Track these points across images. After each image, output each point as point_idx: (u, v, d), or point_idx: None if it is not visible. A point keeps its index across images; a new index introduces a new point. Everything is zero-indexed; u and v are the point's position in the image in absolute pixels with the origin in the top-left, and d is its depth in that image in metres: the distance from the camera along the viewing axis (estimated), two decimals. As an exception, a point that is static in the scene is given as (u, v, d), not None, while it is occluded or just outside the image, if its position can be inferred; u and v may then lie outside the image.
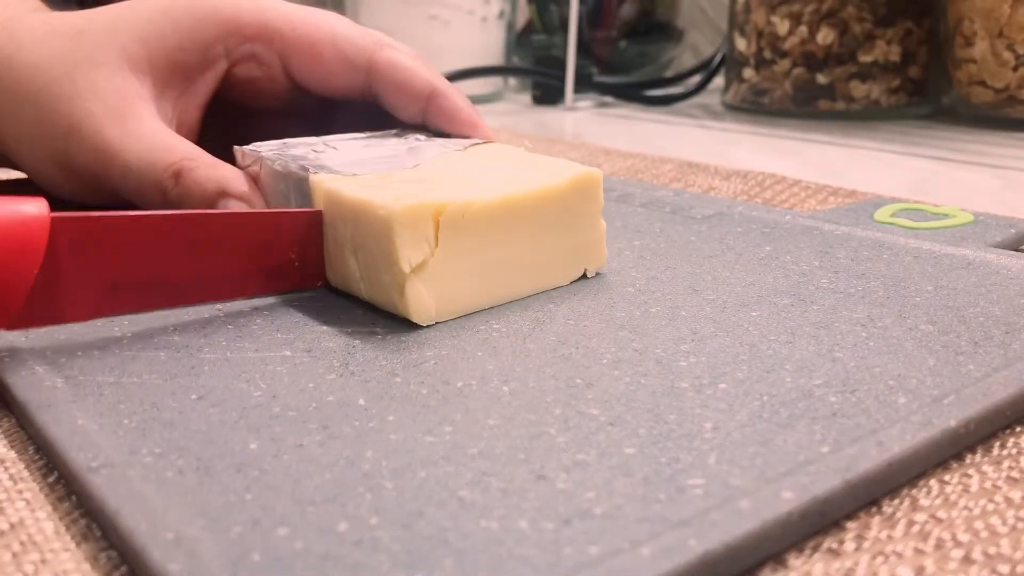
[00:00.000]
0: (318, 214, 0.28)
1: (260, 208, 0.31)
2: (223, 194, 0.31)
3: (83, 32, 0.34)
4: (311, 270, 0.29)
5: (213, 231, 0.26)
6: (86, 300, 0.24)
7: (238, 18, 0.35)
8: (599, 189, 0.29)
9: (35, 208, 0.23)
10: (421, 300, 0.26)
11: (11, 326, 0.23)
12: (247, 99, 0.37)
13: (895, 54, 0.66)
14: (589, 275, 0.30)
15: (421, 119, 0.36)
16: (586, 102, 0.81)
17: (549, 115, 0.76)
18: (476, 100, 0.50)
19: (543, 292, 0.29)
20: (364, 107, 0.37)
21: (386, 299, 0.27)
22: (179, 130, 0.35)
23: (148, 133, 0.32)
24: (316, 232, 0.28)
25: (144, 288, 0.25)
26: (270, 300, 0.29)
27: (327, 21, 0.36)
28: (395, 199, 0.25)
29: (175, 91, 0.34)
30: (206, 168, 0.31)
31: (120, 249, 0.25)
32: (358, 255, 0.27)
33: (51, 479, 0.20)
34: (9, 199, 0.23)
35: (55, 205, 0.24)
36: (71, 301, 0.24)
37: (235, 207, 0.31)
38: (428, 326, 0.26)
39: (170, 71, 0.34)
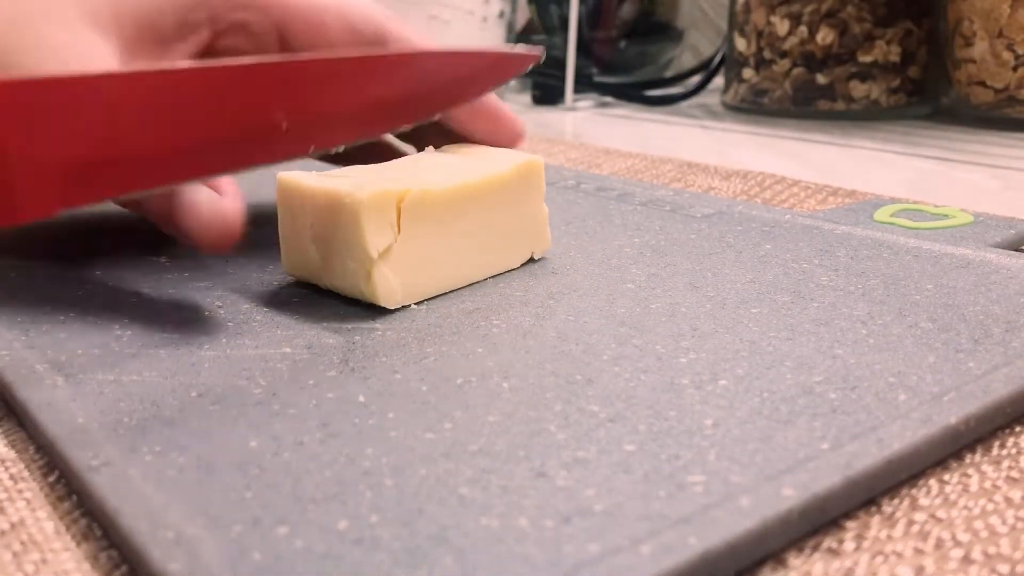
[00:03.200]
0: (307, 64, 0.25)
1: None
2: None
3: None
4: (299, 135, 0.25)
5: (185, 90, 0.23)
6: (44, 188, 0.21)
7: None
8: (541, 175, 0.31)
9: None
10: (388, 284, 0.27)
11: (10, 220, 0.20)
12: None
13: (895, 54, 0.66)
14: (536, 258, 0.32)
15: None
16: (586, 102, 0.81)
17: (549, 115, 0.76)
18: (476, 100, 0.50)
19: (540, 274, 0.29)
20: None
21: (351, 286, 0.27)
22: None
23: None
24: (306, 90, 0.25)
25: (111, 167, 0.22)
26: (270, 299, 0.28)
27: None
28: (358, 187, 0.26)
29: (144, 56, 0.30)
30: None
31: (77, 118, 0.21)
32: (318, 244, 0.28)
33: (51, 478, 0.20)
34: None
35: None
36: (26, 190, 0.20)
37: (202, 194, 0.27)
38: (428, 325, 0.26)
39: (140, 32, 0.30)
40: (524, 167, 0.30)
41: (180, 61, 0.25)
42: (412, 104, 0.27)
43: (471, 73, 0.28)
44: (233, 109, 0.23)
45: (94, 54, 0.28)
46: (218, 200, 0.27)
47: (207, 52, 0.32)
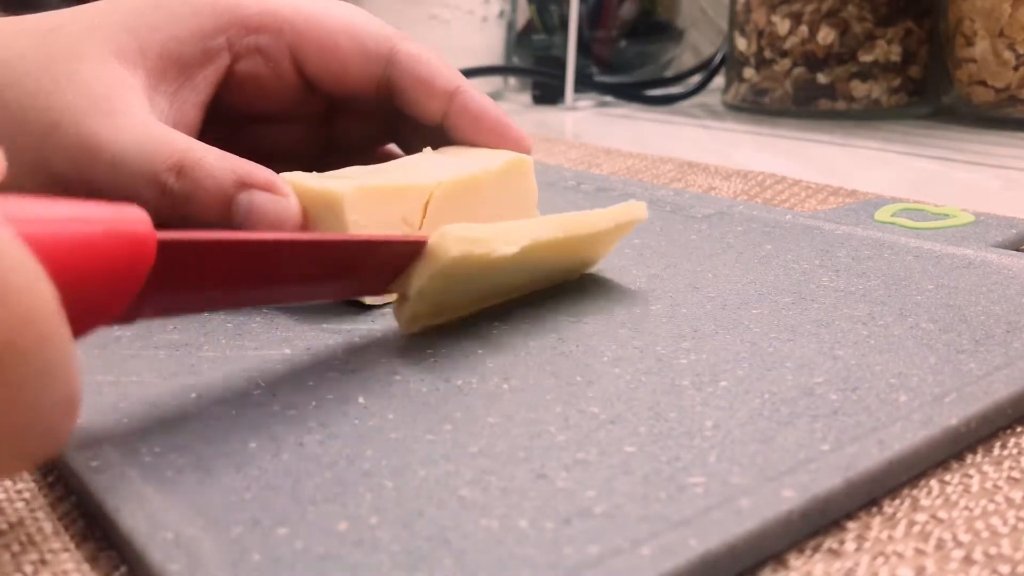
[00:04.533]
0: (422, 244, 0.24)
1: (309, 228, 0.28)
2: (243, 185, 0.27)
3: (61, 27, 0.30)
4: (381, 283, 0.26)
5: (320, 256, 0.23)
6: (168, 311, 0.22)
7: (240, 7, 0.32)
8: (531, 171, 0.32)
9: (141, 225, 0.18)
10: (415, 315, 0.26)
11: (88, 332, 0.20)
12: (249, 101, 0.34)
13: (895, 54, 0.66)
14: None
15: (441, 119, 0.33)
16: (586, 102, 0.81)
17: (549, 115, 0.76)
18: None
19: (541, 289, 0.29)
20: (371, 114, 0.36)
21: None
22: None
23: (140, 125, 0.28)
24: (407, 261, 0.25)
25: (228, 303, 0.24)
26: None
27: (339, 9, 0.33)
28: (349, 185, 0.27)
29: (171, 86, 0.31)
30: (218, 159, 0.28)
31: (218, 271, 0.21)
32: None
33: (50, 479, 0.20)
34: (105, 205, 0.18)
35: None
36: (155, 312, 0.21)
37: (261, 199, 0.27)
38: (428, 326, 0.26)
39: (164, 64, 0.31)
40: (514, 162, 0.31)
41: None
42: None
43: None
44: (358, 269, 0.25)
45: (123, 88, 0.29)
46: (276, 200, 0.28)
47: (228, 76, 0.32)
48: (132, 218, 0.18)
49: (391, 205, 0.27)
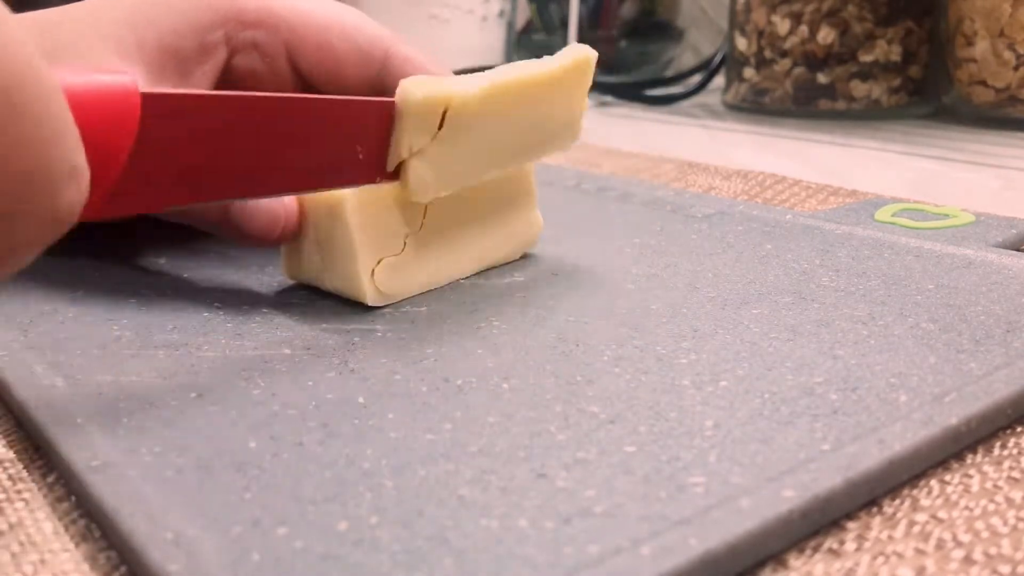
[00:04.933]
0: (390, 104, 0.27)
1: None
2: None
3: (61, 23, 0.31)
4: (371, 166, 0.27)
5: (289, 114, 0.24)
6: (162, 185, 0.22)
7: (238, 2, 0.32)
8: (530, 171, 0.32)
9: (125, 79, 0.20)
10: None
11: (96, 214, 0.21)
12: None
13: (896, 54, 0.66)
14: (527, 251, 0.32)
15: None
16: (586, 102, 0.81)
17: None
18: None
19: (541, 274, 0.29)
20: None
21: (349, 287, 0.28)
22: None
23: None
24: (385, 124, 0.27)
25: (214, 175, 0.24)
26: (269, 299, 0.28)
27: (336, 9, 0.34)
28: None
29: (169, 81, 0.31)
30: None
31: (200, 130, 0.22)
32: (319, 246, 0.28)
33: (50, 479, 0.20)
34: (89, 68, 0.20)
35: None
36: (150, 186, 0.22)
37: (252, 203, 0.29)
38: (429, 326, 0.26)
39: (163, 58, 0.31)
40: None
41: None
42: None
43: None
44: (333, 137, 0.25)
45: None
46: (271, 201, 0.28)
47: (225, 72, 0.33)
48: (118, 75, 0.20)
49: (392, 209, 0.27)
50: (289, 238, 0.29)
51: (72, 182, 0.17)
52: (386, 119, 0.26)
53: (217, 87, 0.33)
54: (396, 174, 0.27)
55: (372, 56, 0.33)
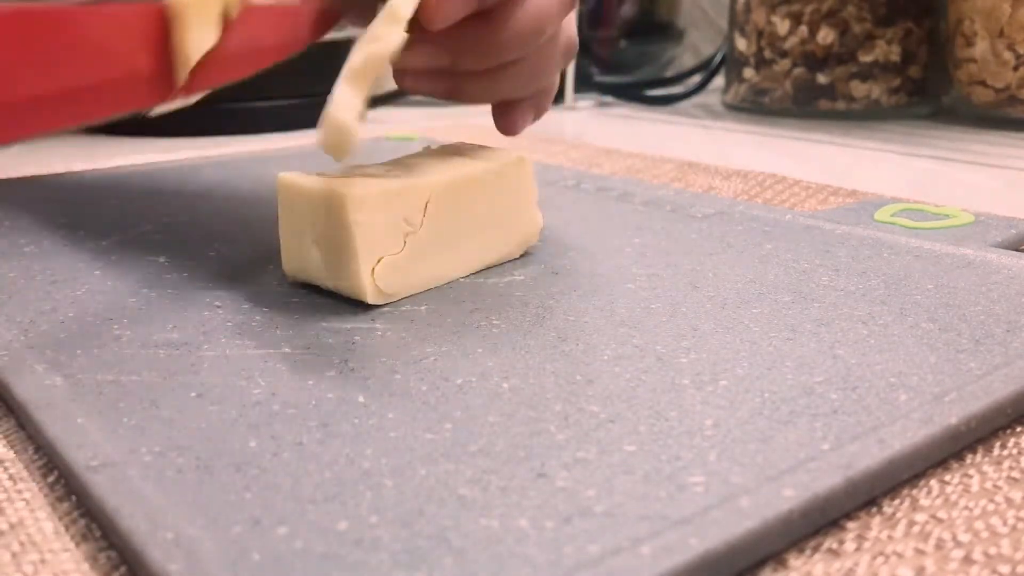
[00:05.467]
0: (161, 9, 0.24)
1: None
2: None
3: None
4: (160, 80, 0.24)
5: (40, 29, 0.21)
6: None
7: None
8: (530, 171, 0.32)
9: None
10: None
11: None
12: None
13: (895, 54, 0.66)
14: (528, 247, 0.33)
15: None
16: (586, 102, 0.81)
17: (549, 115, 0.76)
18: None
19: (541, 274, 0.29)
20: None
21: (349, 286, 0.28)
22: None
23: None
24: (159, 28, 0.24)
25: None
26: (270, 299, 0.28)
27: None
28: (351, 185, 0.27)
29: None
30: None
31: None
32: (319, 245, 0.28)
33: (51, 479, 0.20)
34: None
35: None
36: None
37: None
38: (428, 325, 0.26)
39: None
40: (514, 162, 0.31)
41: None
42: (255, 55, 0.27)
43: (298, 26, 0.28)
44: (99, 53, 0.23)
45: None
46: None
47: None
48: None
49: (392, 205, 0.27)
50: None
51: None
52: (158, 23, 0.24)
53: None
54: (192, 87, 0.25)
55: None
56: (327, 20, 0.29)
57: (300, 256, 0.29)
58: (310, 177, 0.28)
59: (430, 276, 0.29)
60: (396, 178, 0.28)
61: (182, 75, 0.24)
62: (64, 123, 0.23)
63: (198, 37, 0.25)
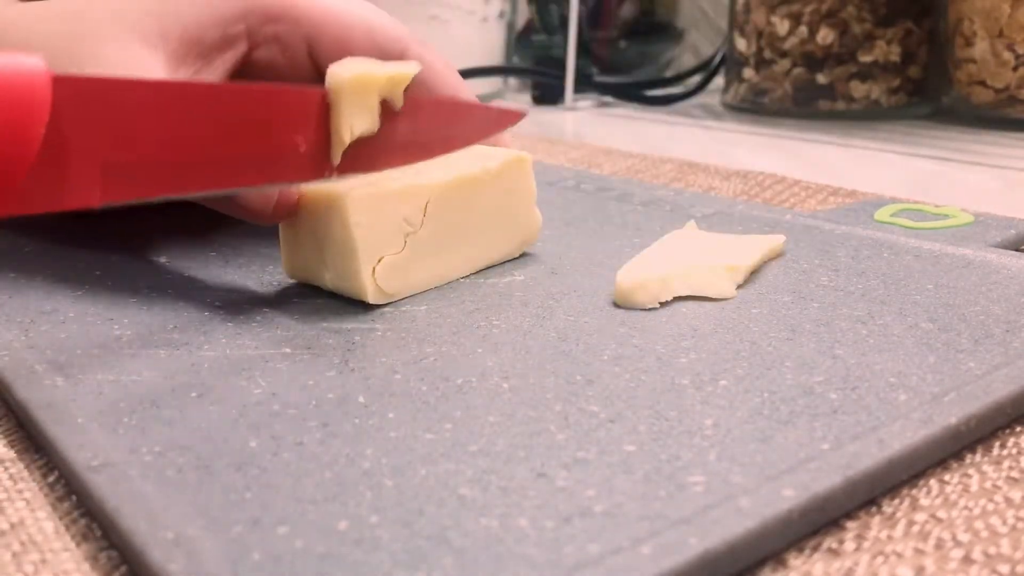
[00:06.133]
0: (320, 91, 0.26)
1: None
2: None
3: (84, 12, 0.31)
4: (315, 158, 0.26)
5: (217, 102, 0.24)
6: (87, 179, 0.21)
7: None
8: (530, 171, 0.32)
9: (34, 62, 0.19)
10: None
11: (11, 210, 0.20)
12: None
13: (895, 54, 0.66)
14: (527, 249, 0.33)
15: None
16: (586, 102, 0.81)
17: (549, 115, 0.76)
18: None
19: (541, 274, 0.29)
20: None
21: (349, 286, 0.28)
22: None
23: None
24: (320, 112, 0.26)
25: (144, 169, 0.23)
26: (270, 299, 0.28)
27: (357, 5, 0.34)
28: (351, 186, 0.27)
29: (190, 69, 0.32)
30: None
31: (123, 116, 0.22)
32: (319, 245, 0.28)
33: (51, 479, 0.20)
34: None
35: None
36: (72, 179, 0.21)
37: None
38: (428, 325, 0.26)
39: (186, 47, 0.31)
40: (514, 162, 0.31)
41: (219, 79, 0.27)
42: (417, 147, 0.29)
43: (465, 124, 0.30)
44: (264, 127, 0.25)
45: (143, 68, 0.30)
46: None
47: (244, 64, 0.33)
48: (25, 56, 0.19)
49: (392, 206, 0.27)
50: (283, 216, 0.28)
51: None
52: (319, 106, 0.26)
53: (236, 77, 0.33)
54: (346, 168, 0.26)
55: (389, 54, 0.33)
56: (506, 119, 0.30)
57: (300, 256, 0.29)
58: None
59: (430, 276, 0.29)
60: (396, 179, 0.28)
61: (336, 156, 0.26)
62: (222, 186, 0.25)
63: (353, 123, 0.26)
